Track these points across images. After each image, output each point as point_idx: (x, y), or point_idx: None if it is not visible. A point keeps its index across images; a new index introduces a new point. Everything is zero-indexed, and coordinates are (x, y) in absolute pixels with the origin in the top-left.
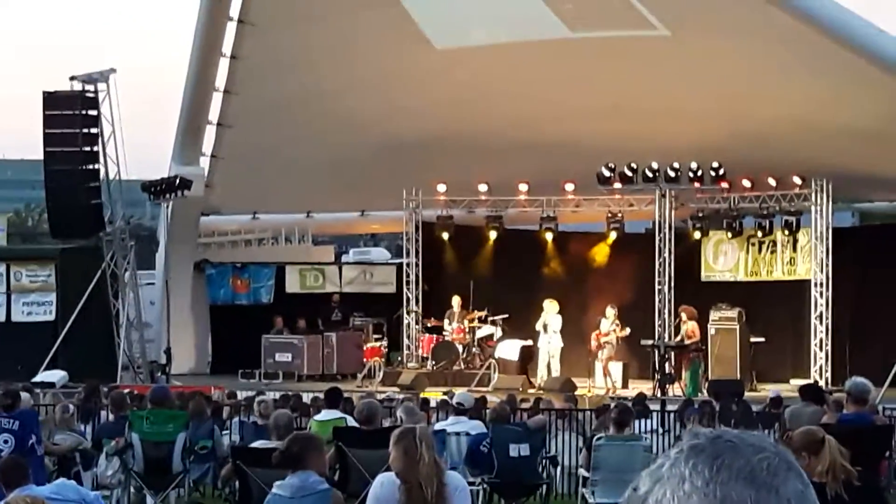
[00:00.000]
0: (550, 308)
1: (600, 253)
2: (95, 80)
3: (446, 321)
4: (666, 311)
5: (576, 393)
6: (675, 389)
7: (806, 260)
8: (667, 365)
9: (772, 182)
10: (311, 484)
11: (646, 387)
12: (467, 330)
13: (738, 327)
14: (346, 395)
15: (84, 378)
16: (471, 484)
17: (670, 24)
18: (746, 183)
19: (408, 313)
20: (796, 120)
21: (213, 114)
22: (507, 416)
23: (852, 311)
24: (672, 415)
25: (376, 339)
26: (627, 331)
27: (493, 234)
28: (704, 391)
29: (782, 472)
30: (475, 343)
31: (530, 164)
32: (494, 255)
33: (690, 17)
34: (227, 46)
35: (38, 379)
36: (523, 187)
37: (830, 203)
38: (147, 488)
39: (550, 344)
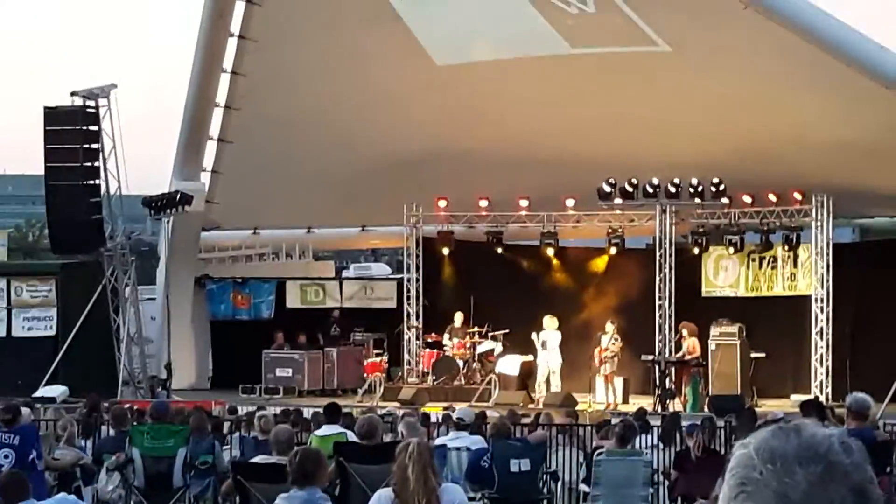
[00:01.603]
0: (550, 324)
1: (601, 268)
2: (96, 96)
3: (447, 336)
4: (666, 326)
5: (576, 408)
6: (676, 405)
7: (806, 275)
8: (667, 380)
9: (772, 198)
10: (318, 500)
11: (646, 402)
12: (468, 345)
13: (738, 343)
14: (346, 410)
15: (84, 393)
16: (471, 499)
17: (671, 41)
18: (747, 199)
19: (408, 328)
20: (797, 136)
21: (214, 129)
22: (507, 431)
23: (853, 327)
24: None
25: (377, 355)
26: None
27: (493, 250)
28: (706, 407)
29: None
30: (475, 358)
31: (531, 180)
32: (495, 271)
33: (691, 34)
34: (228, 62)
35: (38, 394)
36: (524, 203)
37: (831, 219)
38: (147, 503)
39: (550, 360)
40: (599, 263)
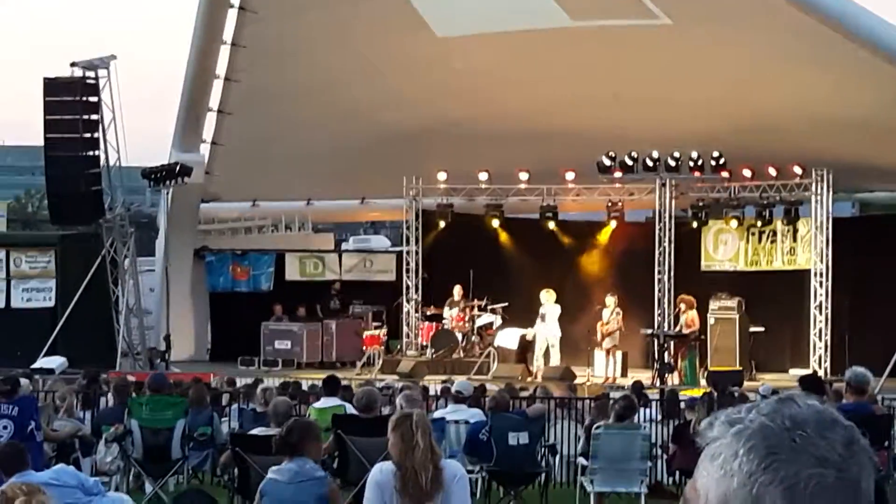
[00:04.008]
0: (548, 298)
1: (600, 242)
2: (96, 67)
3: (446, 309)
4: (665, 300)
5: (575, 382)
6: (674, 379)
7: (806, 250)
8: (666, 354)
9: (772, 172)
10: (308, 470)
11: (645, 376)
12: (467, 318)
13: (737, 317)
14: (345, 382)
15: (83, 364)
16: (470, 472)
17: (671, 13)
18: (747, 172)
19: (407, 301)
20: (797, 109)
21: (214, 101)
22: (506, 404)
23: (852, 301)
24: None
25: (376, 327)
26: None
27: (493, 223)
28: (703, 381)
29: (828, 493)
30: (474, 331)
31: (531, 153)
32: (494, 244)
33: (692, 6)
34: (228, 34)
35: (37, 365)
36: (524, 176)
37: (831, 193)
38: (146, 475)
39: (549, 333)
40: (599, 237)
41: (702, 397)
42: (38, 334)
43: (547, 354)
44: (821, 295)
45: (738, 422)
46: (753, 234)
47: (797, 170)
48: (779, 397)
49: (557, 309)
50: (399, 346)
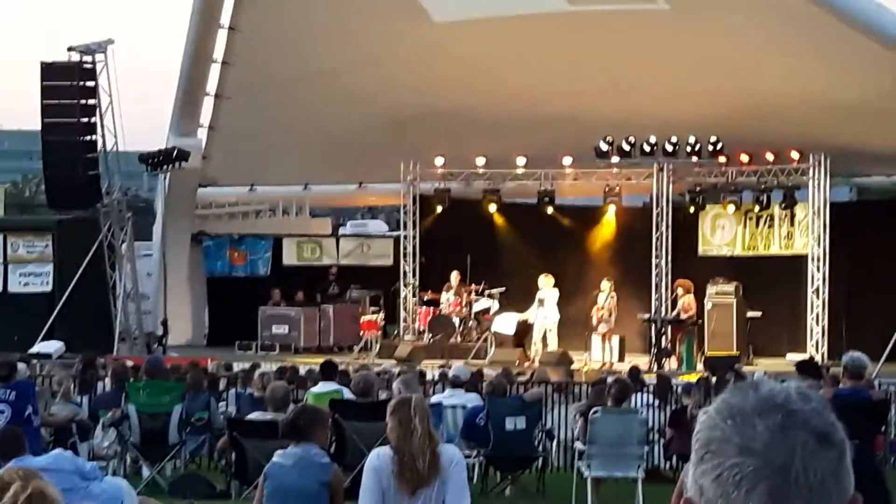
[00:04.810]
0: (546, 283)
1: (598, 226)
2: (93, 51)
3: (443, 294)
4: (663, 285)
5: (572, 367)
6: (672, 363)
7: (803, 234)
8: (663, 339)
9: (770, 157)
10: (314, 456)
11: (643, 361)
12: (464, 303)
13: (734, 302)
14: (342, 367)
15: (80, 349)
16: (467, 457)
17: None
18: (744, 157)
19: (405, 286)
20: (795, 94)
21: (211, 85)
22: (503, 389)
23: (849, 286)
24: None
25: (373, 312)
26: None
27: (490, 208)
28: (700, 365)
29: (749, 481)
30: (472, 316)
31: (528, 138)
32: (492, 229)
33: None
34: (226, 18)
35: (34, 350)
36: (521, 161)
37: (828, 178)
38: (143, 459)
39: (547, 318)
40: (596, 222)
41: (697, 382)
42: (35, 319)
43: (544, 339)
44: (818, 280)
45: (703, 412)
46: (751, 218)
47: (795, 155)
48: (747, 382)
49: (555, 294)
50: (396, 331)
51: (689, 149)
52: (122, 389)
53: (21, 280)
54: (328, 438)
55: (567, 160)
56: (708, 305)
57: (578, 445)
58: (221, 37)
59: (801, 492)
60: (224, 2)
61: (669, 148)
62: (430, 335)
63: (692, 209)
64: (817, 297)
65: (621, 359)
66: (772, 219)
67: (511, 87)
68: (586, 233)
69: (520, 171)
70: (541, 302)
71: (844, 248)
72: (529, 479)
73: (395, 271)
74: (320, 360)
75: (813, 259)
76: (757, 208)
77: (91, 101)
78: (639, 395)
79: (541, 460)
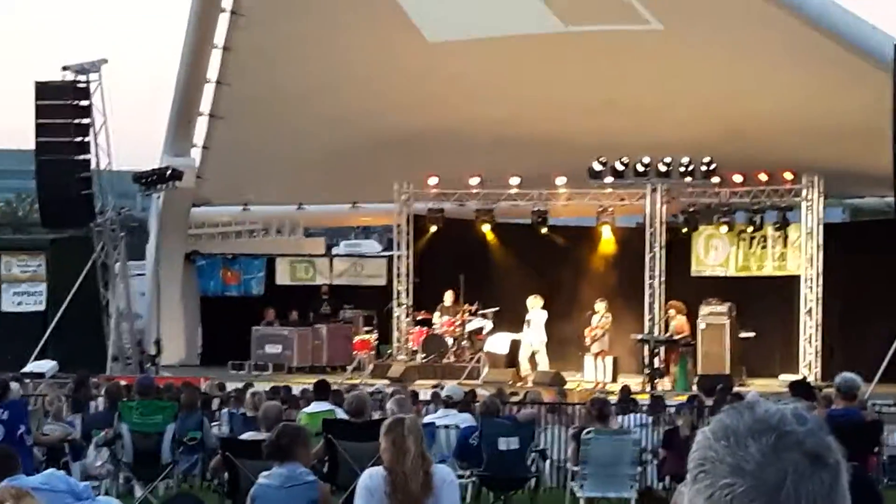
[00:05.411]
0: (534, 303)
1: (591, 247)
2: (87, 71)
3: (437, 314)
4: (656, 305)
5: (565, 387)
6: (665, 384)
7: (796, 255)
8: (656, 360)
9: (763, 177)
10: (299, 475)
11: (636, 381)
12: (458, 323)
13: (727, 322)
14: (335, 387)
15: (73, 369)
16: (460, 477)
17: (663, 19)
18: (738, 178)
19: (398, 306)
20: (788, 115)
21: (205, 105)
22: (496, 409)
23: (842, 307)
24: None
25: (366, 332)
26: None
27: (484, 228)
28: (693, 386)
29: (741, 501)
30: (465, 336)
31: (522, 158)
32: (485, 249)
33: (683, 12)
34: (220, 38)
35: (27, 369)
36: (515, 181)
37: (821, 199)
38: (136, 479)
39: (533, 338)
40: (590, 242)
41: (689, 402)
42: (28, 338)
43: (532, 360)
44: (811, 301)
45: (700, 432)
46: (744, 239)
47: (788, 176)
48: (744, 402)
49: (544, 315)
50: (390, 351)
51: (682, 169)
52: (115, 409)
53: (14, 299)
54: (310, 457)
55: (561, 180)
56: (701, 326)
57: (570, 465)
58: (216, 57)
59: None
60: (218, 22)
61: (663, 168)
62: (424, 355)
63: (685, 229)
64: (810, 317)
65: (614, 379)
66: (765, 239)
67: (505, 108)
68: (580, 253)
69: (513, 191)
70: (528, 323)
71: (837, 269)
72: (522, 499)
73: (389, 291)
74: (313, 379)
75: (806, 280)
76: (750, 229)
77: (85, 121)
78: (632, 415)
79: (534, 480)
